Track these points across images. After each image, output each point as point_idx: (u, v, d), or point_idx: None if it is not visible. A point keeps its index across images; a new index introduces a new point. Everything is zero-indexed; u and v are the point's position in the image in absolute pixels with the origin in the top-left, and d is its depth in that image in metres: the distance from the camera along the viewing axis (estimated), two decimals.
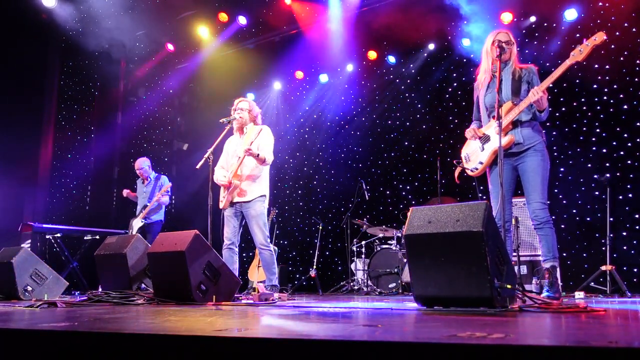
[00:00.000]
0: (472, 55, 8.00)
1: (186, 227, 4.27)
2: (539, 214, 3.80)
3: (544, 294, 3.72)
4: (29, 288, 4.92)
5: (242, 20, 9.05)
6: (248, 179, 4.95)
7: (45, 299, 4.75)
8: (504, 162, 3.82)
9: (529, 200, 3.85)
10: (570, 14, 7.19)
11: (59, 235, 7.52)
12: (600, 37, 3.66)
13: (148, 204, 7.20)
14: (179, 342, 1.54)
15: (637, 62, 6.72)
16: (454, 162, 4.40)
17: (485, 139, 4.06)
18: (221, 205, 5.02)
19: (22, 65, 8.46)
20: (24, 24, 8.36)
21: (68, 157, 9.18)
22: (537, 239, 5.70)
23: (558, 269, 3.87)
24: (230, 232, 4.96)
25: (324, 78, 9.61)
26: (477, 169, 4.12)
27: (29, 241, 8.01)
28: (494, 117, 3.94)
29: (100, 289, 5.47)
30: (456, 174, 4.44)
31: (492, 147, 3.95)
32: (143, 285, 4.87)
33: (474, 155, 4.15)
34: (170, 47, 9.71)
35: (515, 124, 3.90)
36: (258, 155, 4.83)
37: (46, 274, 5.13)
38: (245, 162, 4.94)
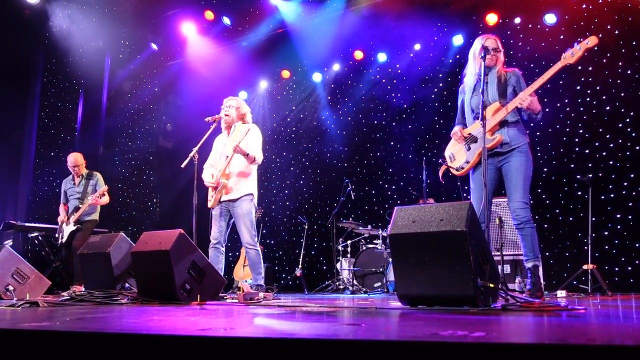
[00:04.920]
0: (458, 56, 8.06)
1: (171, 227, 4.25)
2: (520, 214, 3.84)
3: (527, 293, 3.77)
4: (11, 287, 4.86)
5: (226, 20, 9.04)
6: (236, 177, 4.92)
7: (27, 298, 4.70)
8: (488, 162, 3.88)
9: (511, 199, 3.89)
10: (550, 18, 7.26)
11: (41, 234, 7.43)
12: (592, 41, 3.67)
13: (80, 206, 6.51)
14: (162, 341, 1.54)
15: (620, 64, 6.82)
16: (439, 160, 4.44)
17: (471, 139, 4.10)
18: (209, 205, 4.99)
19: (4, 63, 8.34)
20: (6, 20, 8.24)
21: (51, 155, 9.08)
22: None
23: (540, 268, 3.92)
24: (217, 231, 4.93)
25: (310, 77, 9.61)
26: (463, 167, 4.16)
27: (11, 240, 7.92)
28: (486, 107, 3.98)
29: (82, 288, 5.42)
30: (440, 173, 4.48)
31: (480, 146, 3.99)
32: (127, 285, 4.83)
33: (459, 154, 4.19)
34: (154, 46, 9.64)
35: (502, 124, 3.95)
36: (247, 154, 4.80)
37: (28, 273, 5.08)
38: (233, 160, 4.91)
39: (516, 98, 3.82)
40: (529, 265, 3.85)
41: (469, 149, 4.11)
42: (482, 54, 3.92)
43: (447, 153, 4.34)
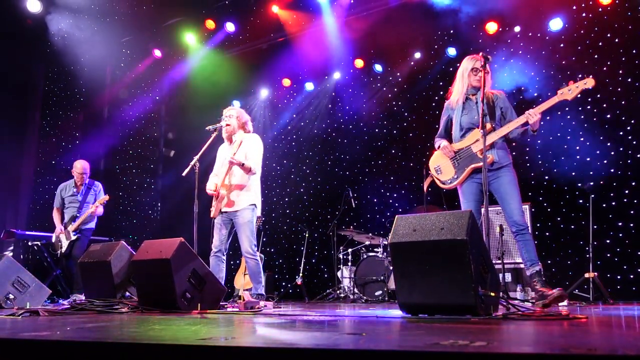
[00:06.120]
0: (458, 64, 8.05)
1: (172, 235, 4.25)
2: (519, 221, 3.97)
3: (540, 301, 3.78)
4: (11, 296, 4.85)
5: (230, 27, 9.06)
6: (236, 189, 4.92)
7: (28, 307, 4.69)
8: (476, 178, 4.14)
9: (510, 208, 4.02)
10: (555, 24, 7.28)
11: (42, 242, 7.43)
12: (590, 82, 3.88)
13: (78, 215, 6.57)
14: (163, 351, 1.53)
15: (620, 72, 6.83)
16: (426, 170, 4.56)
17: (460, 155, 4.24)
18: (211, 214, 5.01)
19: (6, 71, 8.37)
20: (8, 29, 8.28)
21: (52, 164, 9.09)
22: None
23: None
24: (218, 239, 4.94)
25: (311, 86, 9.63)
26: (451, 182, 4.27)
27: (12, 248, 7.92)
28: (478, 127, 4.07)
29: (83, 297, 5.41)
30: (426, 184, 4.59)
31: (469, 164, 4.15)
32: (127, 294, 4.82)
33: (447, 168, 4.33)
34: (157, 53, 9.67)
35: (492, 144, 4.11)
36: (243, 164, 4.81)
37: (29, 282, 5.06)
38: (233, 171, 4.92)
39: (525, 113, 3.98)
40: (535, 269, 3.92)
41: (457, 165, 4.23)
42: (482, 62, 4.03)
43: (432, 165, 4.47)
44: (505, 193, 4.04)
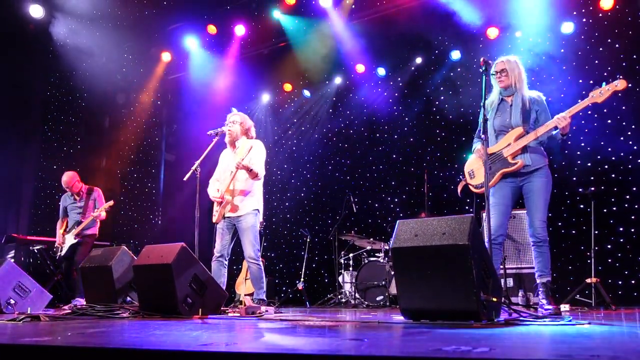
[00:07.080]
0: (459, 69, 8.09)
1: (173, 240, 4.25)
2: (540, 232, 3.99)
3: (546, 308, 3.81)
4: (12, 301, 4.84)
5: (239, 30, 9.04)
6: (240, 194, 4.93)
7: (29, 312, 4.68)
8: (508, 180, 4.13)
9: (532, 218, 4.03)
10: (557, 29, 7.28)
11: (43, 247, 7.42)
12: (622, 84, 3.87)
13: (82, 220, 6.64)
14: (164, 357, 1.53)
15: (620, 76, 6.82)
16: (461, 176, 4.56)
17: (493, 158, 4.21)
18: (214, 219, 5.00)
19: (8, 76, 8.39)
20: (10, 34, 8.30)
21: (54, 169, 9.09)
22: (523, 252, 5.79)
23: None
24: (220, 244, 4.93)
25: (312, 90, 9.65)
26: (482, 185, 4.30)
27: (13, 253, 7.91)
28: (510, 129, 4.13)
29: (84, 302, 5.41)
30: (459, 188, 4.57)
31: (501, 168, 4.13)
32: (128, 299, 4.82)
33: (480, 172, 4.32)
34: (164, 57, 9.71)
35: (524, 149, 4.09)
36: (251, 170, 4.81)
37: (30, 287, 5.06)
38: (237, 177, 4.92)
39: (555, 118, 3.95)
40: (543, 280, 3.98)
41: (490, 168, 4.21)
42: (482, 67, 4.04)
43: (467, 169, 4.45)
44: (531, 201, 4.04)
